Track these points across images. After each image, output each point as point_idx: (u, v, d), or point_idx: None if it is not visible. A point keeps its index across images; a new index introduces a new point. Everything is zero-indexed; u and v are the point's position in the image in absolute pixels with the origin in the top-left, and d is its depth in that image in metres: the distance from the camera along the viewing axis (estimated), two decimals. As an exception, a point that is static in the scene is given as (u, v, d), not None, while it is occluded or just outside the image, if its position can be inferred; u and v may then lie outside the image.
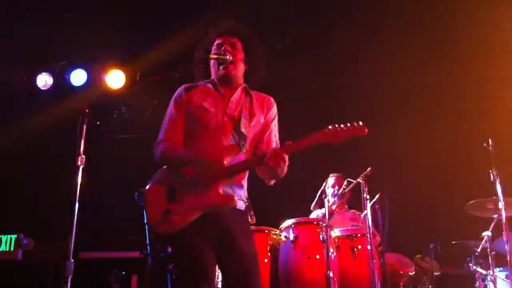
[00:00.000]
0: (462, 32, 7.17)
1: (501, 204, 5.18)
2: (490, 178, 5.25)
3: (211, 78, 3.62)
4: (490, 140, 5.32)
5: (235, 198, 3.27)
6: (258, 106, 3.57)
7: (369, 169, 5.30)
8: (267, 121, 3.57)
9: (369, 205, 5.14)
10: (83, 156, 3.02)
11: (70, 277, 2.75)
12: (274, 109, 3.64)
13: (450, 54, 7.47)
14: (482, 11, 6.86)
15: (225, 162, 3.25)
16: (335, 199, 6.41)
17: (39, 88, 7.57)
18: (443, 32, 7.24)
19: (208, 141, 3.35)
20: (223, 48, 3.53)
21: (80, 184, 3.01)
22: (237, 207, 3.33)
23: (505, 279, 5.65)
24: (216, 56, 3.50)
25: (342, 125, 3.26)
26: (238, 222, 3.33)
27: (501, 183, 5.21)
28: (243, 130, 3.41)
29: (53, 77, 7.58)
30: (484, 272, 5.80)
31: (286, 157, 3.19)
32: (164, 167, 3.44)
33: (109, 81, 7.48)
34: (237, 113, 3.46)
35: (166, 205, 3.24)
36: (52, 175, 7.10)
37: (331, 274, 4.76)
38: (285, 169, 3.26)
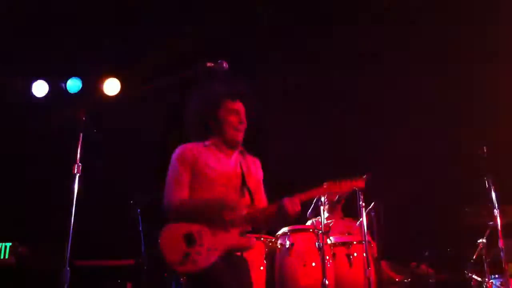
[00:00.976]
0: (458, 38, 7.22)
1: (496, 212, 5.20)
2: (485, 186, 5.27)
3: (210, 137, 3.75)
4: (485, 147, 5.34)
5: (254, 239, 3.58)
6: (251, 165, 3.85)
7: (364, 176, 5.30)
8: (258, 179, 3.87)
9: (364, 212, 5.15)
10: (80, 164, 3.02)
11: (67, 285, 2.75)
12: (260, 169, 3.94)
13: (446, 60, 7.50)
14: (478, 18, 6.93)
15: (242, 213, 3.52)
16: (327, 206, 6.42)
17: (35, 95, 7.57)
18: (439, 39, 7.28)
19: (218, 196, 3.55)
20: (240, 117, 3.73)
21: (77, 192, 3.00)
22: None
23: (500, 286, 5.65)
24: (216, 67, 3.55)
25: (342, 180, 3.74)
26: (246, 269, 3.62)
27: (496, 191, 5.23)
28: (249, 186, 3.69)
29: (49, 85, 7.58)
30: (479, 279, 5.80)
31: (299, 206, 3.50)
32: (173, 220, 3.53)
33: (105, 88, 7.50)
34: (238, 171, 3.70)
35: (186, 248, 3.36)
36: (48, 182, 7.07)
37: (326, 282, 4.77)
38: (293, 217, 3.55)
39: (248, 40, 7.48)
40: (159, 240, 3.46)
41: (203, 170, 3.59)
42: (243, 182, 3.67)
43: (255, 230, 3.88)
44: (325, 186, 3.62)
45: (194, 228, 3.41)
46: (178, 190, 3.55)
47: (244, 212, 3.53)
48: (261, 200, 3.81)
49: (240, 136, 3.74)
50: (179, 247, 3.36)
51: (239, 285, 3.42)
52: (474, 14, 7.00)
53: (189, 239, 3.37)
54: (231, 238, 3.44)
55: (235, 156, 3.77)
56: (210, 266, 3.32)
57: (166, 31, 7.08)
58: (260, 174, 3.90)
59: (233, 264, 3.46)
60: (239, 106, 3.78)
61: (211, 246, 3.36)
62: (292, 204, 3.45)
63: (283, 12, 7.32)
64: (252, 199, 3.65)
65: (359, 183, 3.75)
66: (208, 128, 3.77)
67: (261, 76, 7.18)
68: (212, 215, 3.44)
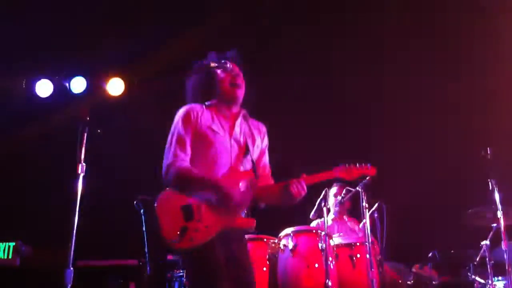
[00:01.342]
0: (461, 41, 7.21)
1: (499, 213, 5.18)
2: (489, 187, 5.25)
3: (211, 98, 3.67)
4: (488, 149, 5.32)
5: (254, 220, 3.40)
6: (256, 131, 3.72)
7: (368, 177, 5.30)
8: (262, 146, 3.74)
9: (367, 214, 5.14)
10: (84, 163, 3.01)
11: (70, 285, 2.75)
12: (267, 136, 3.81)
13: (449, 63, 7.49)
14: (481, 22, 6.93)
15: (241, 187, 3.37)
16: (336, 208, 6.43)
17: (38, 95, 7.56)
18: (442, 41, 7.28)
19: (221, 163, 3.43)
20: (230, 64, 3.60)
21: (80, 191, 3.00)
22: None
23: (504, 288, 5.64)
24: (220, 66, 3.53)
25: (353, 165, 3.58)
26: (243, 244, 3.48)
27: (499, 192, 5.21)
28: (254, 157, 3.56)
29: (53, 84, 7.57)
30: (482, 281, 5.79)
31: (305, 187, 3.40)
32: (171, 187, 3.43)
33: (109, 88, 7.49)
34: (243, 140, 3.58)
35: (184, 222, 3.25)
36: (52, 182, 7.08)
37: (329, 283, 4.75)
38: (299, 199, 3.44)
39: (248, 38, 7.48)
40: (155, 209, 3.34)
41: (205, 133, 3.47)
42: (247, 152, 3.55)
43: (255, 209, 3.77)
44: (334, 171, 3.50)
45: (193, 201, 3.30)
46: (180, 152, 3.43)
47: (241, 189, 3.38)
48: (265, 169, 3.70)
49: (237, 92, 3.61)
50: (176, 220, 3.25)
51: (234, 264, 3.30)
52: (481, 18, 7.00)
53: (187, 213, 3.26)
54: (231, 218, 3.31)
55: (239, 121, 3.63)
56: (206, 242, 3.21)
57: (173, 30, 7.08)
58: (265, 141, 3.78)
59: (229, 241, 3.32)
60: (235, 67, 3.66)
61: (209, 224, 3.24)
62: (298, 186, 3.36)
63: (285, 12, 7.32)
64: (255, 171, 3.50)
65: (370, 171, 3.62)
66: (207, 92, 3.67)
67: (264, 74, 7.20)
68: (212, 197, 3.31)
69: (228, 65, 3.54)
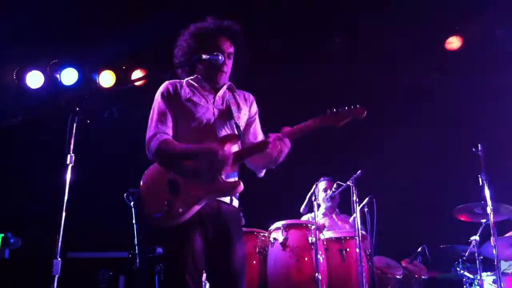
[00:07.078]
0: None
1: (489, 209, 5.20)
2: (479, 183, 5.27)
3: (195, 74, 3.64)
4: (479, 145, 5.34)
5: (241, 184, 3.28)
6: (242, 100, 3.67)
7: (358, 172, 5.31)
8: (251, 115, 3.69)
9: (358, 208, 5.15)
10: (73, 154, 2.99)
11: (58, 276, 2.73)
12: (255, 103, 3.76)
13: (441, 58, 7.51)
14: (473, 17, 6.96)
15: (226, 150, 3.26)
16: (326, 203, 6.43)
17: (29, 86, 7.50)
18: (434, 35, 7.29)
19: (204, 132, 3.37)
20: (222, 56, 3.48)
21: (69, 183, 2.97)
22: (233, 204, 3.41)
23: (492, 283, 5.67)
24: (211, 59, 3.46)
25: (341, 108, 3.36)
26: (234, 222, 3.39)
27: (489, 188, 5.23)
28: (237, 121, 3.48)
29: (44, 76, 7.52)
30: (471, 276, 5.83)
31: (288, 142, 3.26)
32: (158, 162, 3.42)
33: (99, 80, 7.47)
34: (225, 107, 3.52)
35: (169, 196, 3.22)
36: (41, 173, 7.04)
37: (319, 277, 4.77)
38: (284, 155, 3.32)
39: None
40: (141, 183, 3.33)
41: (186, 106, 3.43)
42: (231, 117, 3.46)
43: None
44: (320, 118, 3.32)
45: (177, 176, 3.25)
46: (160, 125, 3.38)
47: (227, 152, 3.26)
48: (255, 138, 3.63)
49: (220, 77, 3.54)
50: (161, 194, 3.22)
51: (219, 240, 3.27)
52: (473, 14, 7.02)
53: (173, 186, 3.21)
54: (217, 183, 3.21)
55: (222, 92, 3.57)
56: (188, 220, 3.18)
57: (166, 22, 7.03)
58: (253, 109, 3.70)
59: (215, 218, 3.29)
60: (224, 43, 3.56)
61: (194, 194, 3.18)
62: (276, 144, 3.23)
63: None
64: (240, 135, 3.44)
65: (360, 111, 3.37)
66: (194, 66, 3.63)
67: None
68: (194, 164, 3.23)
69: (220, 57, 3.48)
